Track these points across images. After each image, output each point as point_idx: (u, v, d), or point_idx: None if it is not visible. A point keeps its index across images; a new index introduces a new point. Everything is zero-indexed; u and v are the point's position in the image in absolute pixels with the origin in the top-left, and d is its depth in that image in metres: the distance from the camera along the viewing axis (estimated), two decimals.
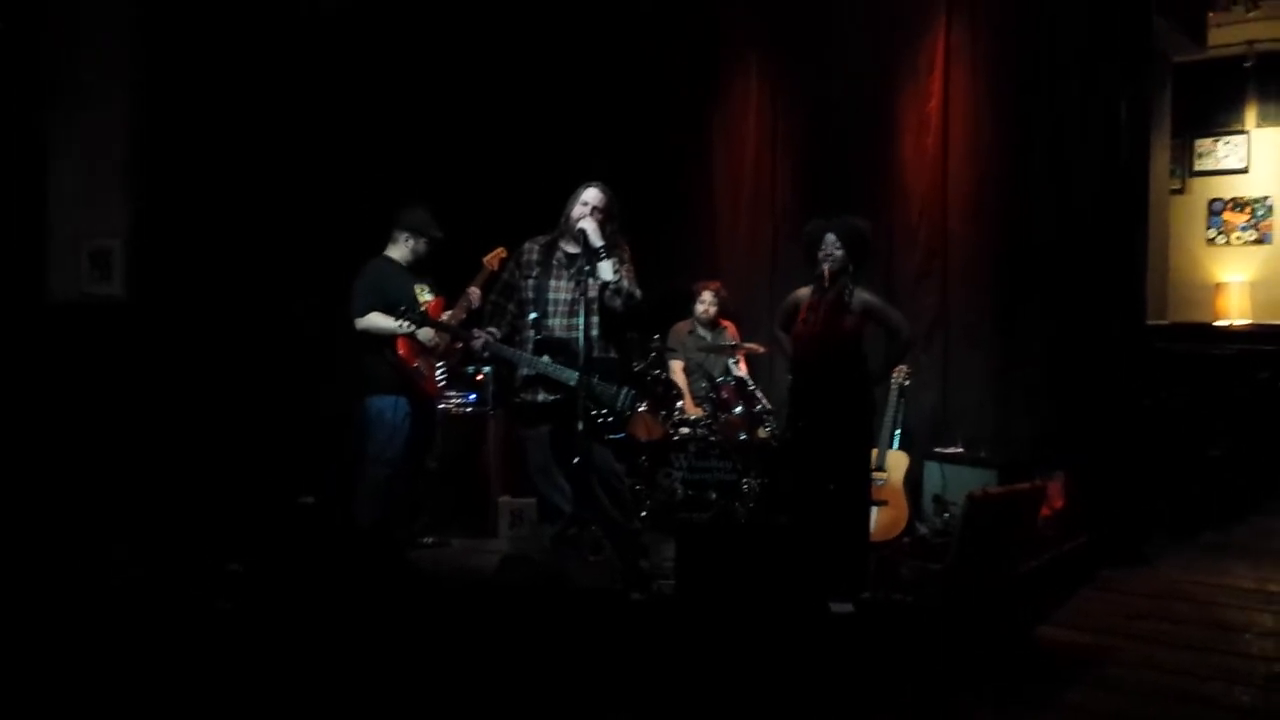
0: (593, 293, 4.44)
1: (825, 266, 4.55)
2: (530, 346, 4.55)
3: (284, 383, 5.69)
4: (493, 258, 5.19)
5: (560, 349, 4.48)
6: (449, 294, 5.23)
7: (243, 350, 5.62)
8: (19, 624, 3.89)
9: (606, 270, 4.39)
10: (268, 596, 4.26)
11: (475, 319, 4.91)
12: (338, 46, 5.93)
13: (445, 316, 5.08)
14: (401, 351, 4.97)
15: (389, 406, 4.97)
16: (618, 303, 4.47)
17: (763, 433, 5.75)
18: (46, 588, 4.22)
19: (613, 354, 4.62)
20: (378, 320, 4.91)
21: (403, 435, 4.98)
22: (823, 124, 6.44)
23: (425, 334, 4.98)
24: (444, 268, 5.32)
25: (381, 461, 4.96)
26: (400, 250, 5.17)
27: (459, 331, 4.92)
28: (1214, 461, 6.03)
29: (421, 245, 5.17)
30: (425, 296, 5.14)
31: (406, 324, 4.74)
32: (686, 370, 6.23)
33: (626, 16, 6.82)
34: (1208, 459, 6.00)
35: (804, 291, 4.74)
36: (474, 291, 5.12)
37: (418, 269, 5.20)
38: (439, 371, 5.18)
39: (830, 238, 4.57)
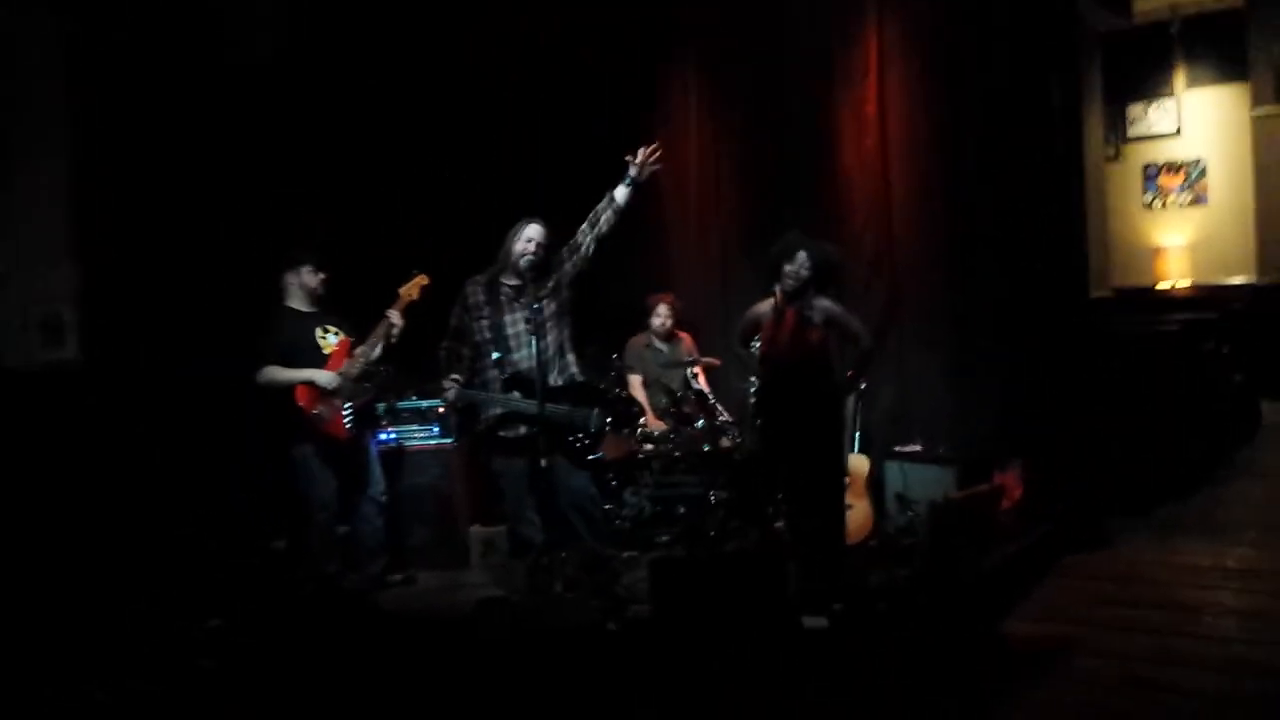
0: (548, 318, 4.54)
1: (789, 283, 4.50)
2: (498, 385, 4.58)
3: (250, 432, 5.64)
4: (411, 286, 5.05)
5: (528, 382, 4.50)
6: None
7: (206, 404, 5.56)
8: None
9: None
10: (248, 652, 4.29)
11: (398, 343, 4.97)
12: (271, 93, 5.87)
13: (358, 352, 5.02)
14: (300, 401, 4.90)
15: (307, 453, 4.97)
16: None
17: (725, 443, 5.81)
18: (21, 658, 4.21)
19: (577, 376, 4.68)
20: (275, 374, 4.91)
21: (324, 478, 4.98)
22: (764, 135, 6.44)
23: (325, 378, 4.93)
24: (362, 305, 5.19)
25: (316, 505, 5.00)
26: (295, 295, 5.11)
27: (370, 370, 5.00)
28: (1164, 436, 6.15)
29: (310, 278, 5.09)
30: (329, 339, 5.09)
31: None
32: (645, 384, 6.22)
33: (562, 32, 6.79)
34: (1158, 434, 6.11)
35: (763, 307, 4.68)
36: (393, 314, 5.01)
37: (323, 308, 5.14)
38: (345, 413, 5.00)
39: (802, 256, 4.48)
